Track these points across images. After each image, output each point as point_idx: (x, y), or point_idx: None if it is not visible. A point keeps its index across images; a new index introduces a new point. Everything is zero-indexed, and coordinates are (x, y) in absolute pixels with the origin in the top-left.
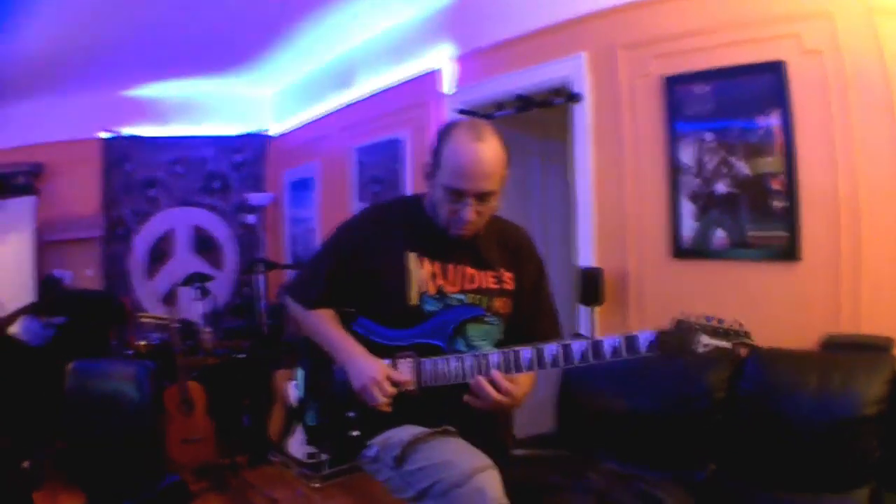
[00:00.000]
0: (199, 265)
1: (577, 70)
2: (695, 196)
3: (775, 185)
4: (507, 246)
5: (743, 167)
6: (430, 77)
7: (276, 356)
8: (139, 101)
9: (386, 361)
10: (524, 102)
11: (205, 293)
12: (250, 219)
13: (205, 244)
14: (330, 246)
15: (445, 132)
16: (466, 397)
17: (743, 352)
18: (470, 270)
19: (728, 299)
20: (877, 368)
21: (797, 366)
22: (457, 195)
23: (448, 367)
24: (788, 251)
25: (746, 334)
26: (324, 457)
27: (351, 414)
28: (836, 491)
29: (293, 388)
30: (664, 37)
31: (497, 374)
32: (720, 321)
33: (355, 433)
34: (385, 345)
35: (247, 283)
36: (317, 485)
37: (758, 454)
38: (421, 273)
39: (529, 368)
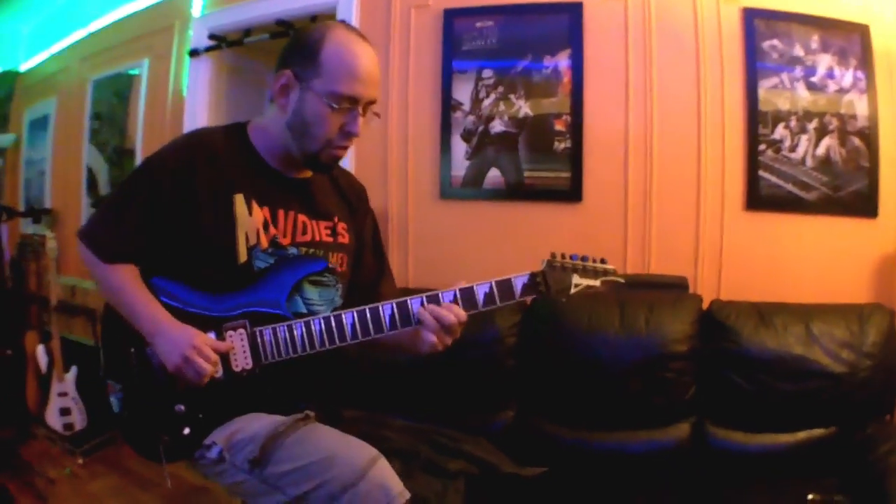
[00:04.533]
0: None
1: None
2: (468, 134)
3: (559, 126)
4: (342, 193)
5: (524, 106)
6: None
7: (23, 316)
8: None
9: (210, 335)
10: (284, 28)
11: None
12: None
13: None
14: (138, 181)
15: (318, 35)
16: (428, 344)
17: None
18: (302, 218)
19: (504, 241)
20: (682, 306)
21: (594, 305)
22: (349, 102)
23: (293, 335)
24: (571, 192)
25: (614, 272)
26: (79, 427)
27: (180, 407)
28: (653, 427)
29: (42, 354)
30: None
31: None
32: (584, 258)
33: (187, 431)
34: (204, 316)
35: None
36: (80, 461)
37: (563, 396)
38: (250, 221)
39: (392, 327)
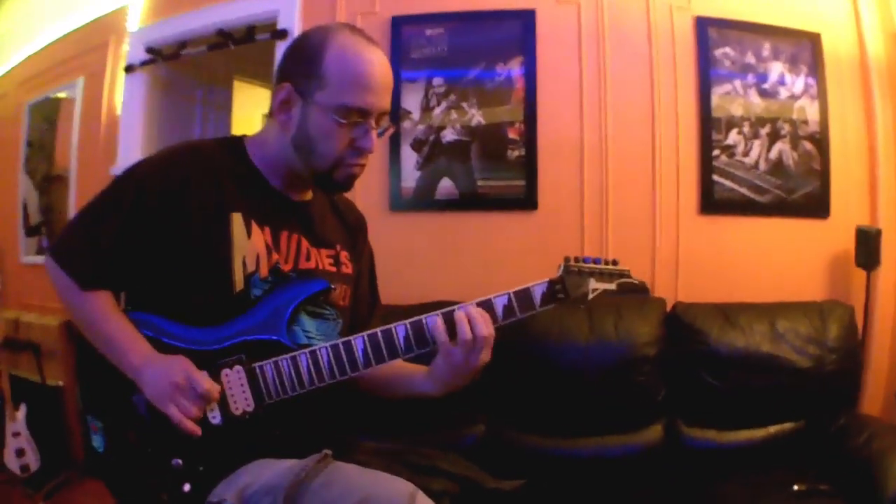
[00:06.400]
0: None
1: (288, 3)
2: (418, 143)
3: (512, 134)
4: (342, 219)
5: (476, 114)
6: (116, 15)
7: None
8: None
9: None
10: (223, 38)
11: None
12: None
13: None
14: (119, 195)
15: (319, 40)
16: (473, 358)
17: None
18: (305, 243)
19: (458, 253)
20: (647, 310)
21: (563, 312)
22: (359, 115)
23: (298, 368)
24: (525, 200)
25: (629, 273)
26: (34, 468)
27: (177, 461)
28: (626, 431)
29: None
30: None
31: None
32: (596, 260)
33: (187, 488)
34: (192, 351)
35: None
36: None
37: (535, 406)
38: (249, 244)
39: (408, 349)
